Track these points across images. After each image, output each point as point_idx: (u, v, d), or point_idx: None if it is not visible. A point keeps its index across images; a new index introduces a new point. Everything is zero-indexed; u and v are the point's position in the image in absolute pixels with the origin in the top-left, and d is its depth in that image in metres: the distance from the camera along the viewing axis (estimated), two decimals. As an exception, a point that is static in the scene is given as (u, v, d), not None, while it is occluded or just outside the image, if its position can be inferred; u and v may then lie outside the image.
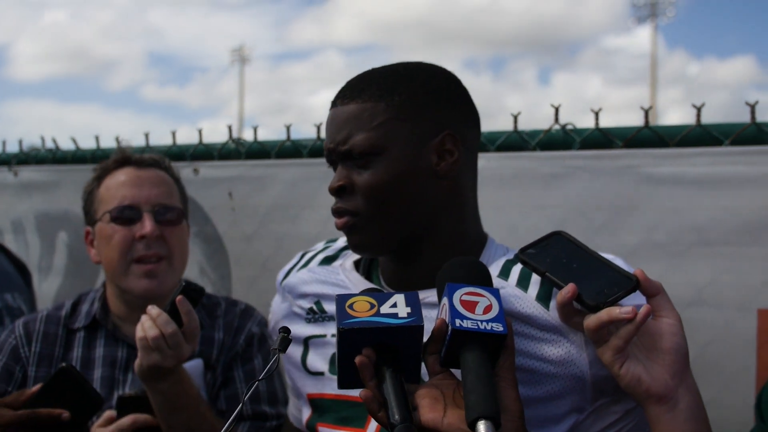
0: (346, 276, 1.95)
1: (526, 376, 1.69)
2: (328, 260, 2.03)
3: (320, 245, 2.12)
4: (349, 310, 1.52)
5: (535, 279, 1.72)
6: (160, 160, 2.63)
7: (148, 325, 2.02)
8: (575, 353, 1.67)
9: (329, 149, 1.83)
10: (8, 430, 2.08)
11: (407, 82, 1.81)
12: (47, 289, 3.87)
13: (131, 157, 2.58)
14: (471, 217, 1.89)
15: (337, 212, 1.82)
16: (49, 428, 2.10)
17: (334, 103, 1.85)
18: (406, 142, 1.77)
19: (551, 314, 1.68)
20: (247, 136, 3.45)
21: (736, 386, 2.37)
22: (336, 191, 1.81)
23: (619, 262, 1.71)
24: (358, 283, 1.91)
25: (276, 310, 2.12)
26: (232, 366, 2.47)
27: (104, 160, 2.65)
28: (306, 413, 1.98)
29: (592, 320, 1.53)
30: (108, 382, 2.44)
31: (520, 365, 1.68)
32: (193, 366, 2.37)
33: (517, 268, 1.77)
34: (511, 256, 1.83)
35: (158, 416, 2.12)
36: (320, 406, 1.91)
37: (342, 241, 2.08)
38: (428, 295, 1.75)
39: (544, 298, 1.70)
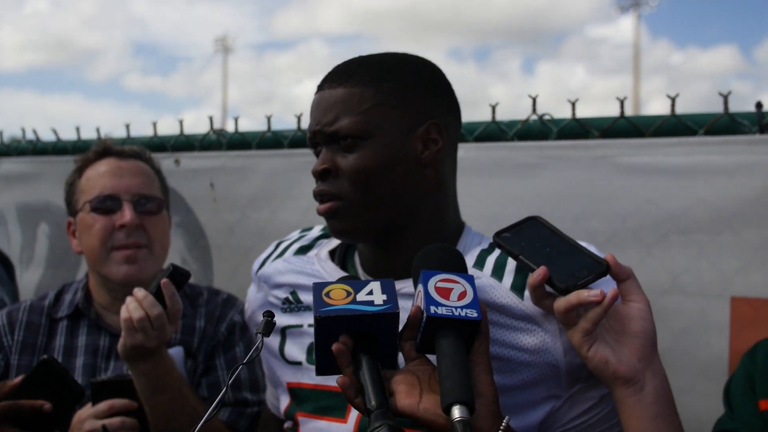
0: (321, 266, 1.96)
1: (502, 365, 1.71)
2: (303, 250, 2.04)
3: (295, 234, 2.13)
4: (325, 298, 1.53)
5: (510, 269, 1.74)
6: (141, 152, 2.65)
7: (133, 306, 2.05)
8: (549, 341, 1.69)
9: (314, 131, 1.83)
10: None
11: (396, 70, 1.83)
12: (28, 280, 3.88)
13: (112, 148, 2.60)
14: (451, 207, 1.91)
15: (320, 195, 1.82)
16: (31, 419, 2.13)
17: (321, 87, 1.85)
18: (392, 129, 1.79)
19: (526, 304, 1.70)
20: (231, 127, 3.46)
21: (709, 373, 2.41)
22: (320, 174, 1.82)
23: (591, 248, 1.74)
24: (333, 272, 1.92)
25: (252, 300, 2.14)
26: (213, 354, 2.49)
27: (85, 152, 2.67)
28: (284, 402, 1.99)
29: (561, 302, 1.55)
30: (90, 370, 2.46)
31: (496, 354, 1.70)
32: (174, 352, 2.39)
33: (491, 258, 1.79)
34: (485, 245, 1.85)
35: (141, 397, 2.14)
36: (299, 395, 1.93)
37: (317, 230, 2.09)
38: (404, 286, 1.77)
39: (519, 287, 1.72)
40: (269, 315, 1.60)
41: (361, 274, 1.92)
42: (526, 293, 1.70)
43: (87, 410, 2.18)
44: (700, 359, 2.44)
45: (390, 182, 1.78)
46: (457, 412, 1.37)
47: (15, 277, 3.32)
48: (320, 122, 1.81)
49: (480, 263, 1.80)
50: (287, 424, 1.99)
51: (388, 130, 1.78)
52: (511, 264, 1.75)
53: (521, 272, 1.73)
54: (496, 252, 1.80)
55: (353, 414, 1.82)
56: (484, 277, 1.76)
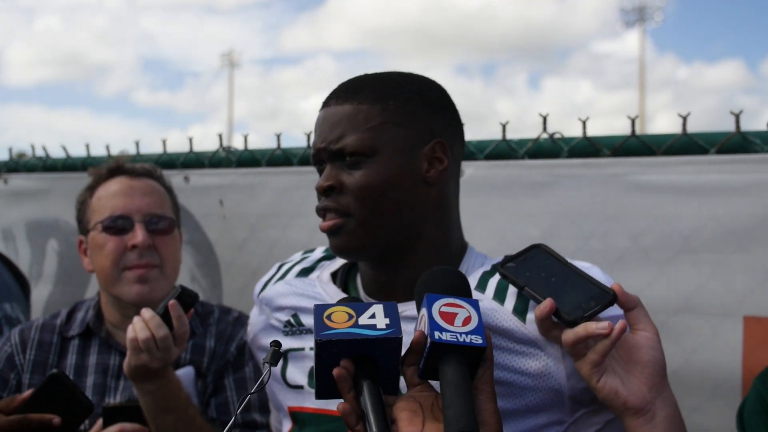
0: (323, 288, 1.95)
1: (504, 389, 1.70)
2: (305, 272, 2.03)
3: (297, 256, 2.12)
4: (327, 321, 1.50)
5: (512, 291, 1.73)
6: (152, 170, 2.65)
7: (140, 326, 2.05)
8: (552, 366, 1.68)
9: (319, 148, 1.82)
10: None
11: (402, 88, 1.83)
12: (38, 297, 3.87)
13: (124, 166, 2.60)
14: (454, 227, 1.90)
15: (324, 210, 1.81)
16: None
17: (327, 103, 1.85)
18: (398, 147, 1.78)
19: (528, 327, 1.68)
20: (237, 141, 3.46)
21: (722, 393, 2.39)
22: (324, 190, 1.81)
23: (595, 270, 1.73)
24: (335, 295, 1.90)
25: (254, 323, 2.13)
26: (223, 374, 2.49)
27: (95, 168, 2.67)
28: (287, 426, 1.98)
29: (569, 335, 1.54)
30: (100, 389, 2.46)
31: (498, 378, 1.69)
32: (184, 374, 2.39)
33: (494, 281, 1.77)
34: (488, 267, 1.84)
35: (147, 417, 2.14)
36: (301, 419, 1.91)
37: (319, 251, 2.09)
38: (407, 308, 1.75)
39: (520, 311, 1.70)
40: (276, 345, 1.58)
41: (363, 297, 1.91)
42: (528, 316, 1.69)
43: None
44: (713, 379, 2.42)
45: (395, 200, 1.78)
46: None
47: (30, 297, 3.33)
48: (325, 139, 1.81)
49: (482, 286, 1.78)
50: None
51: (393, 148, 1.78)
52: (513, 287, 1.73)
53: (523, 295, 1.71)
54: (497, 275, 1.78)
55: None
56: (485, 300, 1.74)
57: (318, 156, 1.85)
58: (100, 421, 2.20)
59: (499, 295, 1.75)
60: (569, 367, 1.65)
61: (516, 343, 1.70)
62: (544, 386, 1.69)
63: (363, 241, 1.79)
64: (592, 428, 1.73)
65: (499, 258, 1.83)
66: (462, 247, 1.92)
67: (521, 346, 1.70)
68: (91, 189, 2.60)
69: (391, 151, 1.78)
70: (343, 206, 1.78)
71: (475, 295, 1.74)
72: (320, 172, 1.86)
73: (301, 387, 1.91)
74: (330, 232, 1.81)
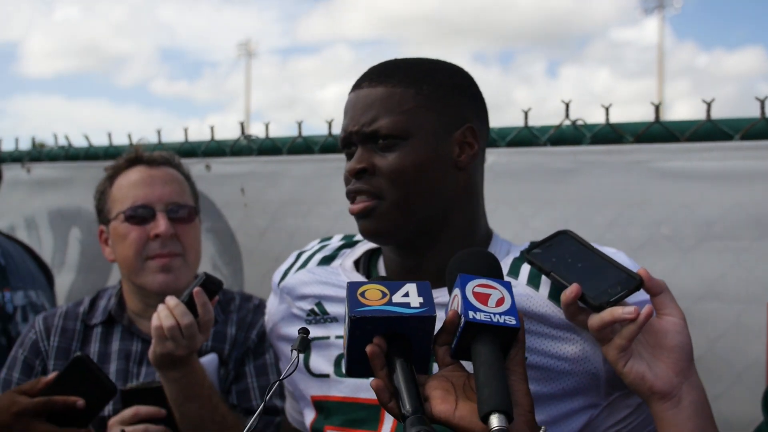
0: (347, 276, 1.93)
1: (542, 374, 1.70)
2: (326, 260, 2.02)
3: (315, 244, 2.10)
4: (360, 298, 1.49)
5: (545, 278, 1.73)
6: (171, 158, 2.65)
7: (165, 314, 2.05)
8: (590, 350, 1.69)
9: (351, 131, 1.81)
10: (25, 417, 2.14)
11: (434, 73, 1.83)
12: (61, 285, 3.89)
13: (143, 156, 2.60)
14: (481, 212, 1.90)
15: (355, 192, 1.80)
16: (64, 415, 2.15)
17: (359, 86, 1.84)
18: (431, 131, 1.78)
19: None
20: (254, 131, 3.47)
21: (746, 380, 2.38)
22: (357, 173, 1.79)
23: (621, 256, 1.72)
24: None
25: (273, 312, 2.10)
26: (244, 361, 2.49)
27: (116, 157, 2.68)
28: (310, 416, 1.97)
29: (595, 320, 1.54)
30: (122, 375, 2.48)
31: (536, 363, 1.69)
32: (208, 361, 2.39)
33: (526, 267, 1.77)
34: (517, 253, 1.84)
35: (172, 404, 2.15)
36: (326, 408, 1.90)
37: (337, 239, 2.07)
38: (438, 295, 1.73)
39: (556, 296, 1.69)
40: (305, 332, 1.58)
41: None
42: None
43: (114, 417, 2.20)
44: (737, 365, 2.41)
45: (427, 184, 1.77)
46: (495, 421, 1.34)
47: (54, 286, 3.36)
48: (358, 122, 1.79)
49: (514, 272, 1.78)
50: None
51: (426, 132, 1.77)
52: None
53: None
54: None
55: (386, 426, 1.79)
56: (519, 285, 1.74)
57: (349, 139, 1.83)
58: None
59: (533, 281, 1.75)
60: None
61: (553, 328, 1.71)
62: (582, 370, 1.70)
63: (394, 224, 1.78)
64: (626, 410, 1.74)
65: (525, 245, 1.83)
66: (488, 234, 1.92)
67: (558, 331, 1.70)
68: (111, 179, 2.60)
69: (424, 135, 1.77)
70: (375, 188, 1.77)
71: (509, 280, 1.72)
72: (349, 156, 1.84)
73: (326, 376, 1.90)
74: (361, 214, 1.79)
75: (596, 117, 2.67)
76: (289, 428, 2.25)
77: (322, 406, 1.92)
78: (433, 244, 1.82)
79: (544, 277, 1.73)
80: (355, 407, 1.84)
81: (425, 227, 1.80)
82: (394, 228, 1.79)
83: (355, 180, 1.80)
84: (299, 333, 1.58)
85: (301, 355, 1.92)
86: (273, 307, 2.11)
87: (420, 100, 1.78)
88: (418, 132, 1.77)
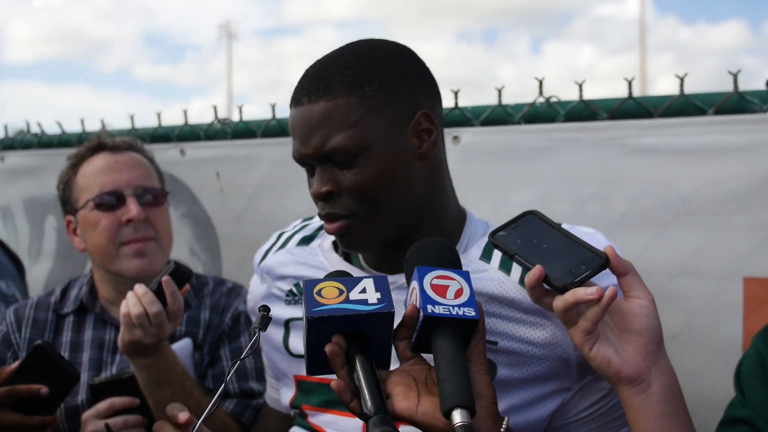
0: (325, 257, 1.92)
1: (512, 359, 1.69)
2: (306, 240, 2.00)
3: (297, 224, 2.09)
4: (317, 297, 1.47)
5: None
6: (133, 143, 2.63)
7: (133, 302, 2.05)
8: (560, 335, 1.67)
9: (305, 155, 1.73)
10: None
11: (374, 68, 1.72)
12: (38, 274, 3.87)
13: (105, 142, 2.58)
14: (449, 193, 1.86)
15: (327, 217, 1.75)
16: (28, 403, 2.15)
17: (299, 101, 1.73)
18: (385, 133, 1.70)
19: None
20: (236, 114, 3.44)
21: (723, 355, 2.38)
22: (324, 197, 1.73)
23: (598, 236, 1.70)
24: (337, 264, 1.89)
25: (255, 292, 2.09)
26: (218, 345, 2.49)
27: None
28: (289, 394, 1.97)
29: (559, 302, 1.50)
30: (96, 364, 2.46)
31: (507, 348, 1.68)
32: (183, 346, 2.39)
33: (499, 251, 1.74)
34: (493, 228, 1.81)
35: (144, 391, 2.15)
36: (305, 387, 1.91)
37: (318, 219, 2.03)
38: (399, 279, 1.74)
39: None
40: (265, 309, 1.57)
41: (364, 265, 1.88)
42: None
43: (88, 411, 2.19)
44: (714, 341, 2.41)
45: (395, 188, 1.72)
46: (458, 417, 1.32)
47: (25, 276, 3.33)
48: (310, 144, 1.70)
49: (486, 256, 1.76)
50: (293, 412, 1.98)
51: (381, 136, 1.70)
52: None
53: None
54: None
55: None
56: (491, 270, 1.73)
57: (304, 161, 1.76)
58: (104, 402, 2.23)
59: (505, 266, 1.72)
60: None
61: (523, 313, 1.69)
62: (552, 355, 1.68)
63: (373, 236, 1.75)
64: (599, 393, 1.73)
65: (499, 224, 1.82)
66: (461, 214, 1.88)
67: (529, 316, 1.69)
68: (74, 167, 2.58)
69: (381, 141, 1.70)
70: (346, 209, 1.72)
71: (480, 265, 1.73)
72: (309, 172, 1.78)
73: (303, 356, 1.90)
74: (338, 234, 1.75)
75: (582, 91, 2.65)
76: (266, 411, 2.24)
77: (302, 385, 1.93)
78: (411, 236, 1.77)
79: (514, 264, 1.69)
80: (329, 388, 1.84)
81: (404, 225, 1.77)
82: (375, 238, 1.76)
83: (324, 203, 1.75)
84: (259, 311, 1.57)
85: (281, 336, 1.93)
86: (255, 286, 2.10)
87: (366, 105, 1.69)
88: (374, 139, 1.69)
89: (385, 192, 1.71)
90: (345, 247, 1.79)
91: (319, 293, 1.48)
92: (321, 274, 1.82)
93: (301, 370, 1.89)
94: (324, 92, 1.69)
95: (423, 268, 1.51)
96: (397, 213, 1.74)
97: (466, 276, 1.52)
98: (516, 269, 1.70)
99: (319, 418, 1.88)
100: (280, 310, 1.95)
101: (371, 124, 1.69)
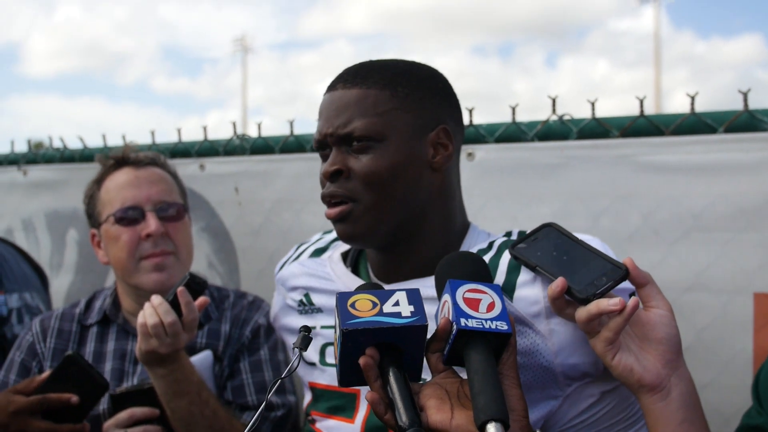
0: (332, 268, 1.98)
1: None
2: (318, 252, 2.06)
3: (316, 236, 2.15)
4: (351, 310, 1.49)
5: (502, 269, 1.73)
6: (156, 158, 2.68)
7: (149, 312, 2.11)
8: (540, 343, 1.69)
9: (325, 134, 1.81)
10: (22, 415, 2.22)
11: (409, 75, 1.84)
12: (59, 286, 3.93)
13: (128, 157, 2.63)
14: (457, 212, 1.91)
15: (331, 197, 1.80)
16: (59, 411, 2.23)
17: (334, 87, 1.84)
18: (406, 133, 1.79)
19: (516, 305, 1.69)
20: (252, 127, 3.50)
21: (733, 369, 2.41)
22: (331, 175, 1.80)
23: (596, 242, 1.72)
24: (342, 275, 1.94)
25: (274, 303, 2.18)
26: (238, 357, 2.52)
27: (101, 156, 2.71)
28: (307, 398, 2.03)
29: (582, 313, 1.54)
30: (118, 374, 2.52)
31: None
32: (203, 358, 2.43)
33: (486, 258, 1.76)
34: (485, 244, 1.84)
35: (162, 401, 2.20)
36: (315, 393, 1.96)
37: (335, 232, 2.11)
38: (420, 286, 1.75)
39: (508, 289, 1.70)
40: (306, 330, 1.58)
41: (372, 278, 1.92)
42: (515, 295, 1.69)
43: (109, 421, 2.25)
44: (724, 356, 2.44)
45: (402, 186, 1.78)
46: (492, 430, 1.34)
47: (49, 288, 3.40)
48: (332, 124, 1.80)
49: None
50: (307, 418, 2.03)
51: (401, 134, 1.79)
52: (503, 265, 1.74)
53: (512, 272, 1.71)
54: (491, 252, 1.79)
55: (360, 414, 1.83)
56: None
57: (323, 141, 1.84)
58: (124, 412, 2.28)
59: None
60: (556, 343, 1.67)
61: None
62: (534, 363, 1.70)
63: (370, 227, 1.80)
64: (588, 400, 1.74)
65: (500, 234, 1.86)
66: (465, 227, 1.93)
67: None
68: (99, 182, 2.64)
69: (399, 137, 1.78)
70: (349, 191, 1.79)
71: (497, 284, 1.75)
72: (324, 157, 1.86)
73: (314, 364, 1.96)
74: (337, 218, 1.81)
75: (595, 108, 2.68)
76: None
77: (313, 391, 1.98)
78: (411, 244, 1.84)
79: (499, 269, 1.73)
80: (335, 395, 1.89)
81: (401, 229, 1.82)
82: (370, 231, 1.80)
83: (330, 183, 1.81)
84: (300, 331, 1.58)
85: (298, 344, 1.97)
86: (275, 297, 2.19)
87: (395, 102, 1.79)
88: (393, 134, 1.78)
89: (391, 185, 1.78)
90: (341, 235, 1.84)
91: (353, 306, 1.50)
92: (326, 285, 1.91)
93: (312, 377, 1.97)
94: (361, 81, 1.81)
95: (455, 282, 1.53)
96: (397, 210, 1.79)
97: (497, 289, 1.54)
98: (499, 277, 1.72)
99: (323, 424, 1.93)
100: (294, 320, 2.02)
101: (395, 120, 1.78)
